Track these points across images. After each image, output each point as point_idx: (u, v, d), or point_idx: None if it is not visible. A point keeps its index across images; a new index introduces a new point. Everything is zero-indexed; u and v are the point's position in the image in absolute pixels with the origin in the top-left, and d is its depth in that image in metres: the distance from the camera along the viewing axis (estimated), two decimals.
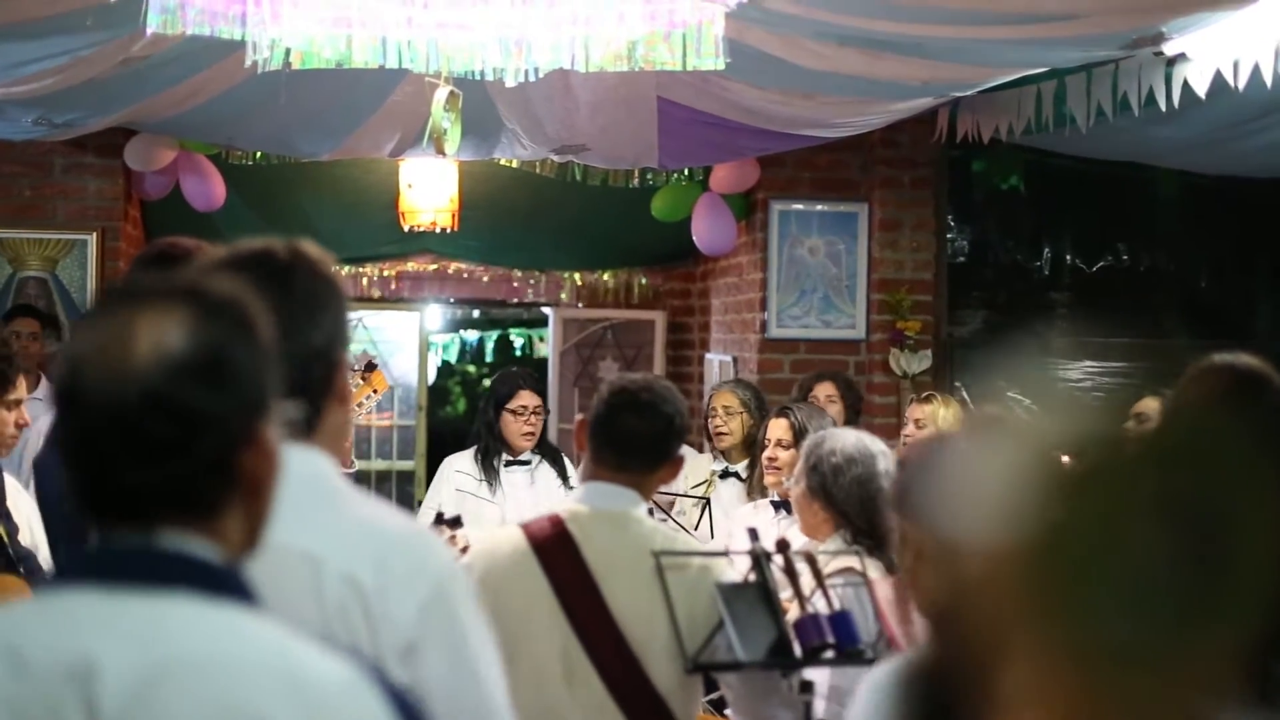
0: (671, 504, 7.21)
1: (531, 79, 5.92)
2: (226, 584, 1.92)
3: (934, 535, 3.18)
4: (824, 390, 8.20)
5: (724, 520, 7.00)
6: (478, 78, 6.09)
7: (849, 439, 4.95)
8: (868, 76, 6.79)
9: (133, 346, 1.85)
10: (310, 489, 2.54)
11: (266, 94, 7.31)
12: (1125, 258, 10.75)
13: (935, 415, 7.39)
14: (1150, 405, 6.50)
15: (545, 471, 7.42)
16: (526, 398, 7.33)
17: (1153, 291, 10.77)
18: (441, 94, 6.08)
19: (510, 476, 7.40)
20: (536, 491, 7.26)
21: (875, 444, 4.92)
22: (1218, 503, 0.86)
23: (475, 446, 7.53)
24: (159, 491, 1.88)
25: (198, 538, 1.90)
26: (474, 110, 7.10)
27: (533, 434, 7.37)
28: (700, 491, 7.46)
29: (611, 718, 4.05)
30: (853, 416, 8.09)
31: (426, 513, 7.14)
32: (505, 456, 7.45)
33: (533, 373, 7.77)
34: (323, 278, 2.66)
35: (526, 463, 7.42)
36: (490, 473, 7.46)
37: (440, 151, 6.26)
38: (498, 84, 6.26)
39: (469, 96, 6.77)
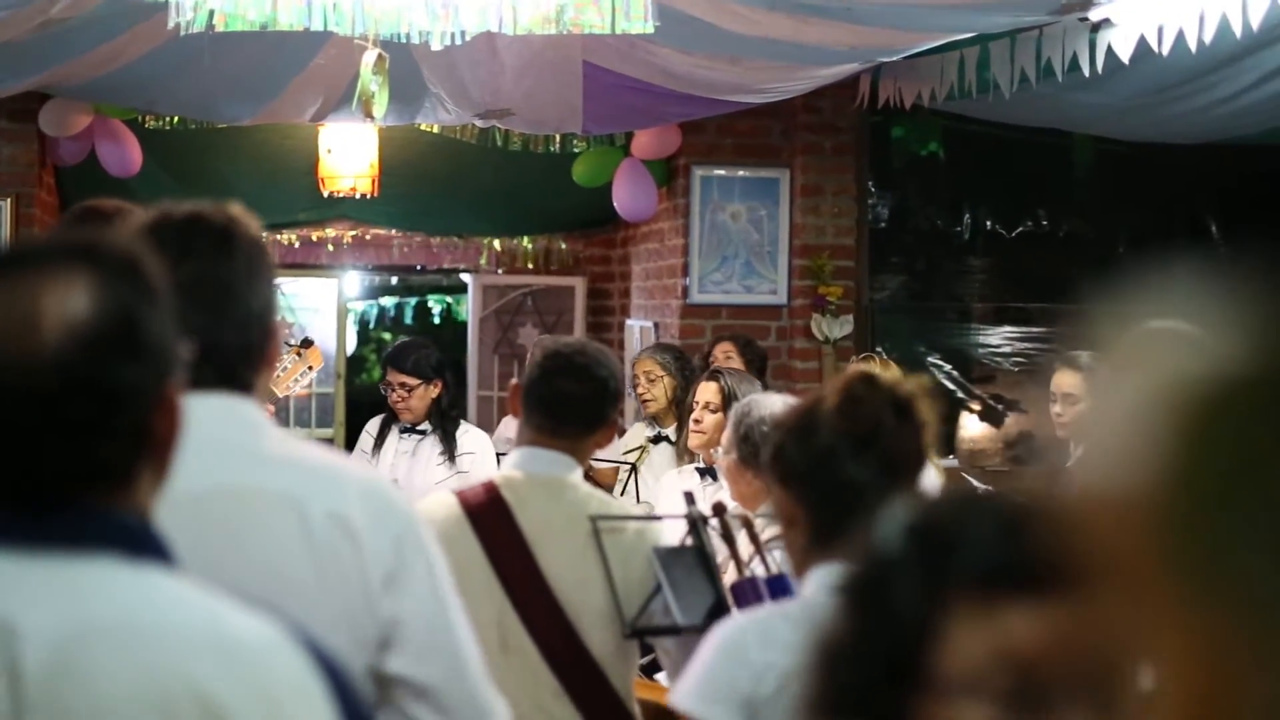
0: (605, 471, 7.23)
1: (458, 42, 5.88)
2: (146, 544, 1.88)
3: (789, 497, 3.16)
4: (721, 350, 8.22)
5: (653, 485, 7.00)
6: (403, 40, 6.05)
7: (776, 405, 4.95)
8: (796, 41, 6.78)
9: (41, 322, 1.78)
10: (263, 435, 2.62)
11: (189, 57, 7.21)
12: (1045, 224, 10.82)
13: None
14: (1067, 380, 6.42)
15: (431, 445, 7.45)
16: (390, 375, 7.46)
17: (1071, 258, 10.84)
18: (370, 57, 6.03)
19: (399, 444, 7.49)
20: (413, 462, 7.32)
21: None
22: None
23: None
24: (77, 469, 1.82)
25: (117, 498, 1.86)
26: (398, 74, 7.04)
27: (403, 409, 7.46)
28: (633, 458, 7.48)
29: (547, 685, 4.04)
30: (756, 375, 8.11)
31: None
32: (403, 424, 7.55)
33: (416, 347, 7.70)
34: (255, 241, 2.68)
35: (422, 433, 7.46)
36: (381, 436, 7.62)
37: (368, 115, 6.21)
38: (423, 47, 6.22)
39: (395, 60, 6.72)
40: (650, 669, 5.00)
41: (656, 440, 7.61)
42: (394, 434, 7.57)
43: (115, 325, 1.81)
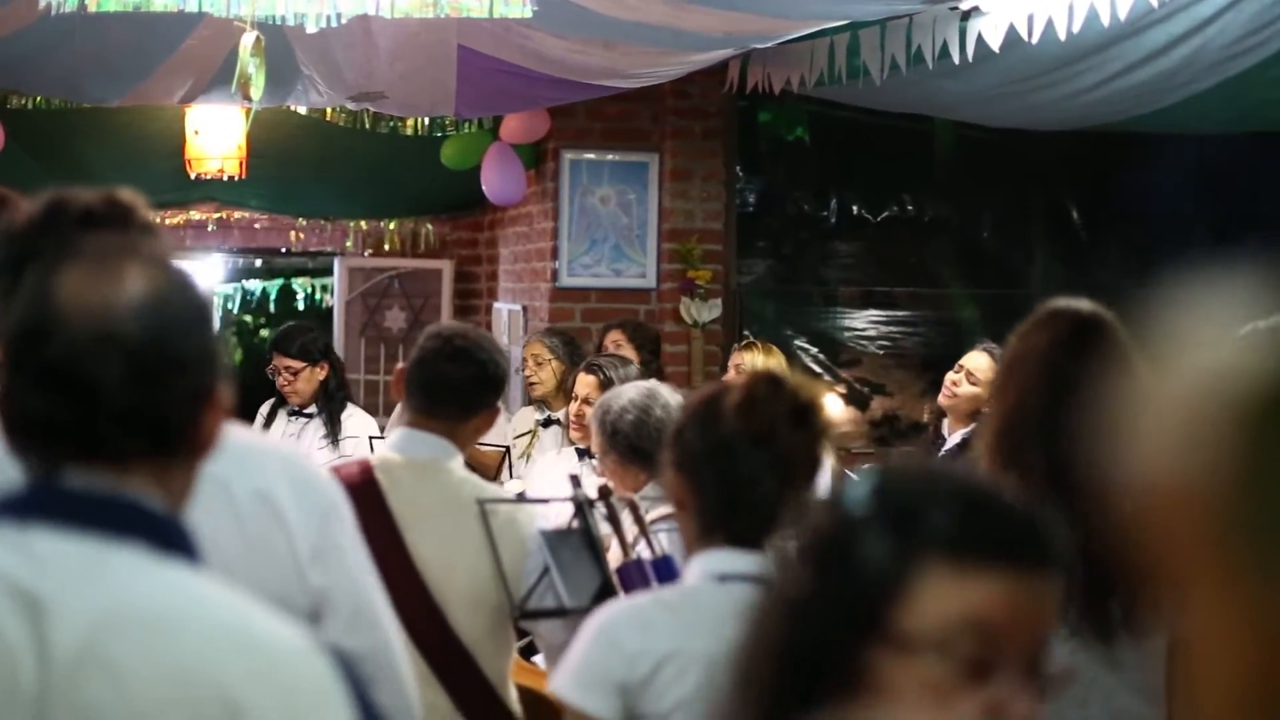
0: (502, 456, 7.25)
1: (334, 25, 5.86)
2: (176, 539, 1.92)
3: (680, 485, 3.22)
4: (612, 338, 8.28)
5: (533, 468, 7.02)
6: (278, 23, 6.01)
7: (629, 392, 4.99)
8: (672, 27, 6.80)
9: (123, 286, 1.89)
10: None
11: (62, 35, 7.11)
12: (910, 209, 10.94)
13: (754, 362, 7.46)
14: (979, 362, 6.56)
15: (316, 428, 7.50)
16: (276, 359, 7.62)
17: (935, 242, 10.97)
18: (249, 39, 5.99)
19: (287, 425, 7.57)
20: (297, 444, 7.34)
21: (658, 388, 4.97)
22: None
23: None
24: (141, 423, 1.88)
25: (153, 488, 1.91)
26: (272, 56, 6.95)
27: (290, 393, 7.60)
28: (523, 443, 7.51)
29: (417, 670, 4.01)
30: (650, 358, 8.16)
31: None
32: (291, 406, 7.66)
33: (302, 331, 7.75)
34: (148, 229, 2.66)
35: (309, 415, 7.51)
36: (271, 418, 7.74)
37: (246, 97, 6.16)
38: (297, 29, 6.18)
39: (268, 42, 6.66)
40: (529, 652, 5.02)
41: (547, 424, 7.64)
42: (282, 416, 7.63)
43: (189, 308, 1.95)
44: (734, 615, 3.11)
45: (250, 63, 5.96)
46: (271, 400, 7.84)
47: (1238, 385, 0.90)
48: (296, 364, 7.49)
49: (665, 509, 4.60)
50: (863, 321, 10.76)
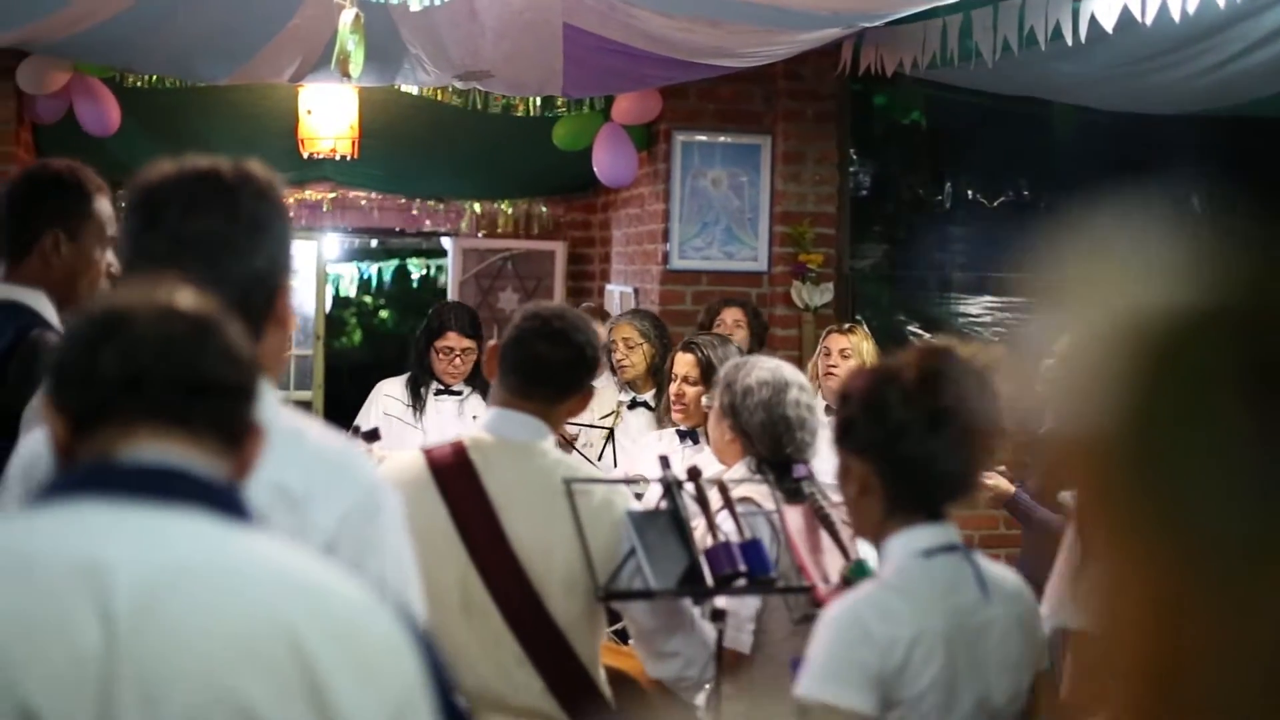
0: (576, 436, 7.20)
1: (437, 3, 5.84)
2: (236, 505, 1.96)
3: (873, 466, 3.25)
4: (731, 315, 8.21)
5: (632, 449, 6.98)
6: (382, 2, 6.00)
7: (766, 364, 4.92)
8: (775, 5, 6.74)
9: (185, 298, 2.04)
10: None
11: (164, 15, 7.17)
12: (1025, 193, 10.80)
13: (860, 347, 7.40)
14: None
15: (476, 403, 7.45)
16: (453, 339, 7.49)
17: (1052, 227, 10.81)
18: (348, 16, 5.99)
19: (438, 404, 7.49)
20: (463, 422, 7.26)
21: (794, 374, 4.89)
22: None
23: (409, 373, 7.69)
24: (224, 395, 1.99)
25: (211, 461, 1.96)
26: (377, 35, 6.99)
27: (456, 374, 7.51)
28: (608, 423, 7.46)
29: (509, 650, 4.01)
30: (757, 345, 8.09)
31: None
32: (436, 385, 7.59)
33: (469, 311, 7.74)
34: (268, 200, 2.67)
35: (458, 393, 7.48)
36: (417, 400, 7.61)
37: (345, 75, 6.17)
38: (402, 8, 6.18)
39: (373, 21, 6.67)
40: (624, 635, 4.98)
41: (633, 405, 7.59)
42: (431, 399, 7.55)
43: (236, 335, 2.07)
44: (950, 588, 3.21)
45: (349, 40, 5.96)
46: (403, 379, 7.73)
47: (1134, 328, 0.85)
48: (470, 342, 7.45)
49: (747, 491, 4.55)
50: (977, 307, 10.63)
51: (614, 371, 7.81)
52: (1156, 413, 0.85)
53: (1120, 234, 0.92)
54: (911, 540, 3.24)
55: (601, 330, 8.05)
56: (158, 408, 1.95)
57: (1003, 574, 3.42)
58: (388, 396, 7.71)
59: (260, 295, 2.63)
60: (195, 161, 2.66)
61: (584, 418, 7.16)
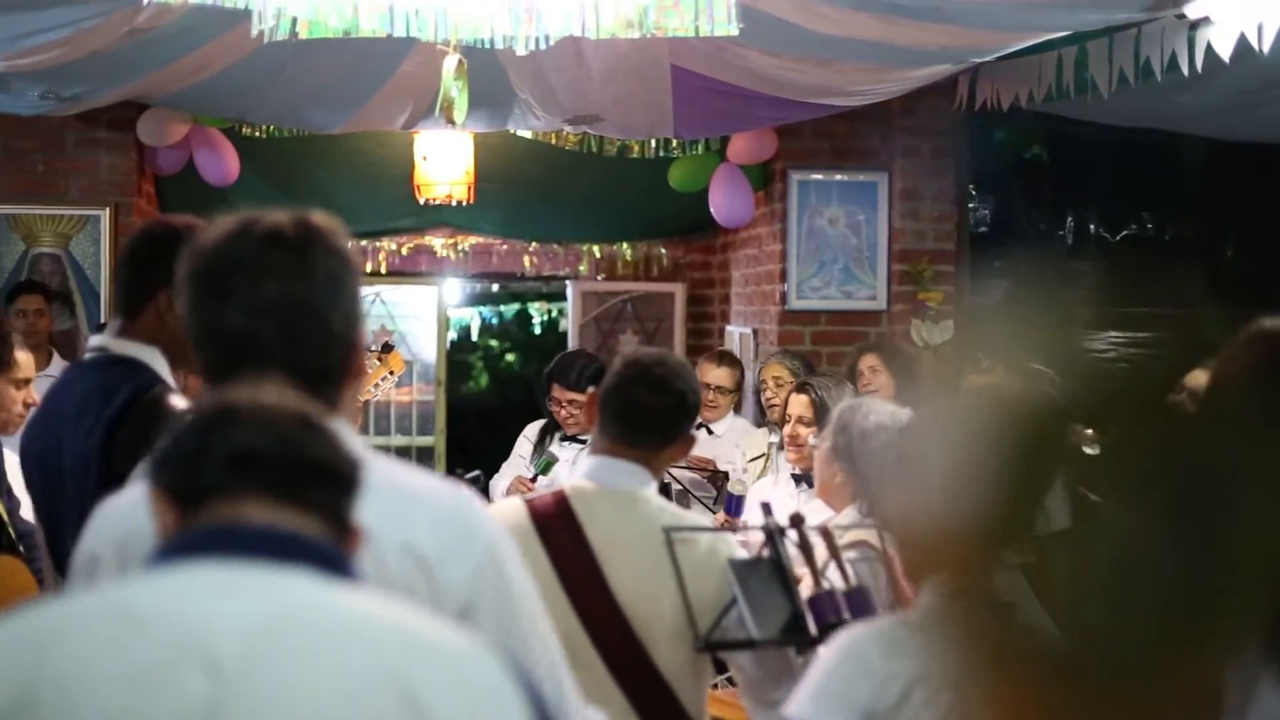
0: (725, 476, 7.18)
1: (542, 47, 5.83)
2: (342, 565, 1.99)
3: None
4: (867, 363, 8.08)
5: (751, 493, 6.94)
6: (488, 46, 6.00)
7: (884, 409, 4.84)
8: (884, 42, 6.68)
9: (289, 397, 2.10)
10: None
11: (275, 65, 7.22)
12: (1150, 226, 10.64)
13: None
14: (1200, 379, 6.39)
15: None
16: (558, 391, 7.50)
17: (1178, 260, 10.65)
18: (450, 62, 6.00)
19: (561, 451, 7.48)
20: (576, 470, 7.26)
21: (902, 415, 4.81)
22: (1215, 480, 0.80)
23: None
24: (332, 479, 2.03)
25: (316, 530, 2.00)
26: (486, 81, 7.01)
27: (574, 423, 7.53)
28: (758, 466, 7.43)
29: (615, 702, 3.95)
30: (905, 383, 7.97)
31: (506, 472, 7.70)
32: (563, 431, 7.65)
33: (579, 362, 7.72)
34: (338, 255, 2.59)
35: (583, 441, 7.48)
36: (541, 445, 7.69)
37: (450, 121, 6.17)
38: (509, 53, 6.17)
39: (481, 67, 6.69)
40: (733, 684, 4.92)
41: (783, 446, 7.56)
42: (555, 445, 7.61)
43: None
44: None
45: (453, 86, 5.96)
46: (541, 423, 7.83)
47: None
48: (577, 395, 7.46)
49: (858, 535, 4.48)
50: (1102, 343, 10.46)
51: (763, 412, 7.77)
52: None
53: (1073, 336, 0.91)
54: (941, 584, 3.12)
55: (715, 372, 8.02)
56: (267, 484, 1.97)
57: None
58: (525, 439, 7.85)
59: (339, 353, 2.58)
60: (251, 220, 2.57)
61: (734, 459, 7.18)
